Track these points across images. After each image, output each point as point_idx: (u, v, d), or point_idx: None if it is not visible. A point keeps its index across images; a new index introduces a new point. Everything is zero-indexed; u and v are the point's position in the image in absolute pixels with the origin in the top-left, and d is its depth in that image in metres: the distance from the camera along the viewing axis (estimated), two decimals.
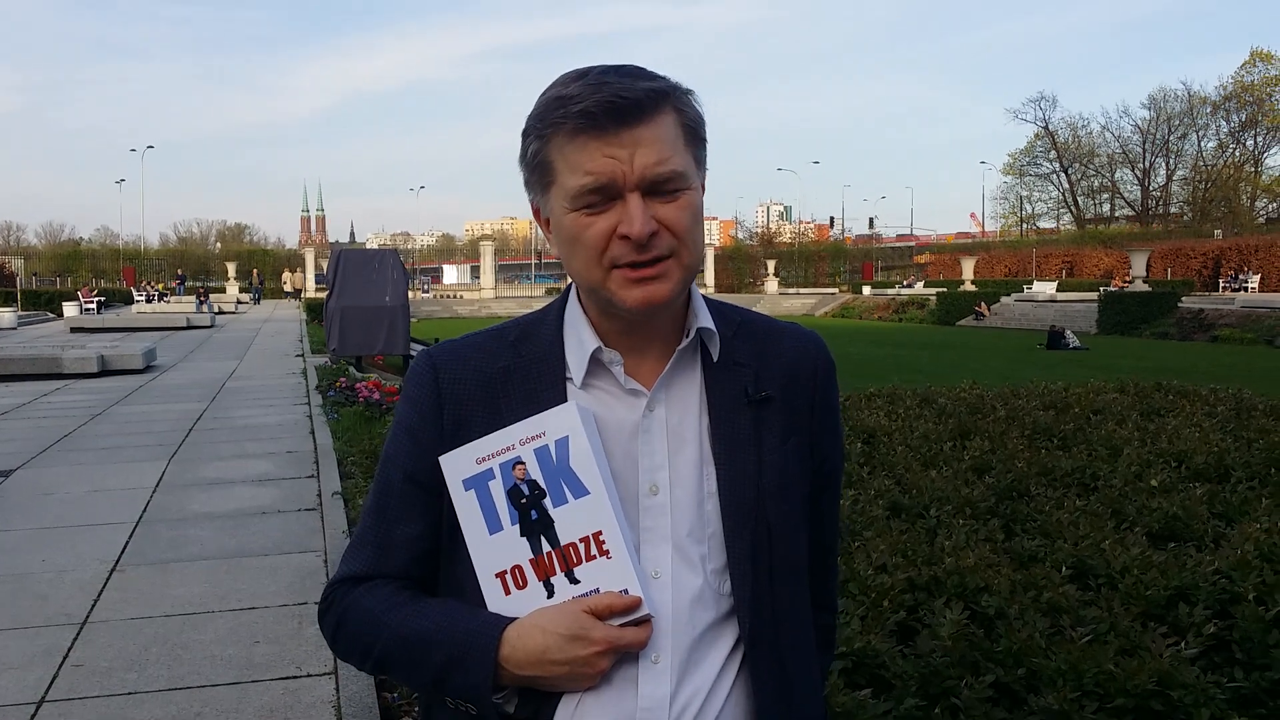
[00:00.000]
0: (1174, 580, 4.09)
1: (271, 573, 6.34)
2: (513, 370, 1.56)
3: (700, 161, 1.52)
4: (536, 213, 1.56)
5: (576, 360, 1.54)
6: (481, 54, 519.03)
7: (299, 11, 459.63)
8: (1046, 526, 5.06)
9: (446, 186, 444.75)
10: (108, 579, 6.24)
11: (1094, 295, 43.50)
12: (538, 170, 1.49)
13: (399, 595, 1.55)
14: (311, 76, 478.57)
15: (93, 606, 5.72)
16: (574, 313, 1.58)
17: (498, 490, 1.49)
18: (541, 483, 1.47)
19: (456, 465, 1.51)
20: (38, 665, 4.85)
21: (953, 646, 3.56)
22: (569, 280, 1.60)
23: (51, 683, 4.65)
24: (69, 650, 5.04)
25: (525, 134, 1.49)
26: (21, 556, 6.77)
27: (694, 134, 1.49)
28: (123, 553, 6.82)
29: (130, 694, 4.52)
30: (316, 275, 68.16)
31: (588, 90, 1.41)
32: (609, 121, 1.40)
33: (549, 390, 1.53)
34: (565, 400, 1.51)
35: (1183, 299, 39.50)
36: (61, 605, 5.75)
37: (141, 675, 4.72)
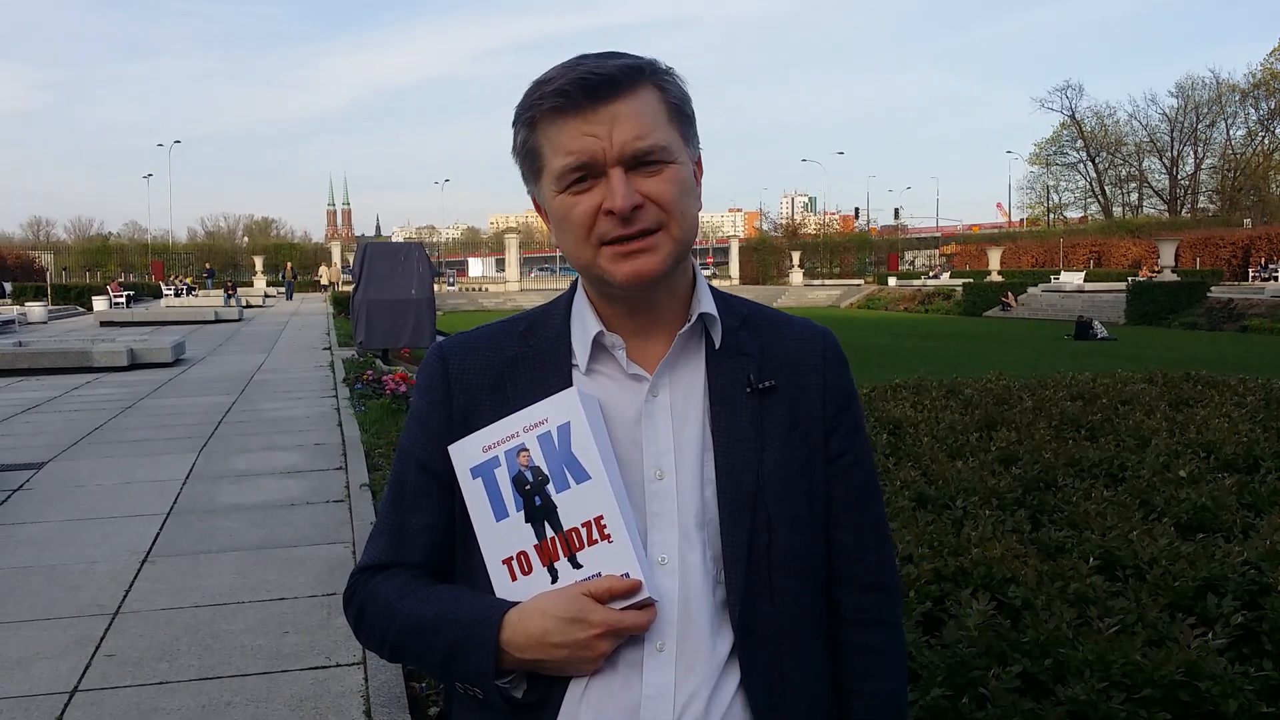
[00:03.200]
0: (1202, 571, 4.07)
1: (300, 564, 6.38)
2: (520, 359, 1.58)
3: (688, 138, 1.51)
4: (536, 205, 1.58)
5: (581, 346, 1.55)
6: (504, 48, 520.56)
7: (321, 7, 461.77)
8: (1074, 517, 5.04)
9: (471, 180, 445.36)
10: (139, 570, 6.29)
11: (1122, 285, 43.18)
12: (528, 158, 1.51)
13: (412, 583, 1.57)
14: (335, 72, 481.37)
15: (124, 597, 5.78)
16: (580, 301, 1.59)
17: (503, 477, 1.50)
18: (545, 469, 1.48)
19: (464, 454, 1.53)
20: (71, 655, 4.90)
21: (979, 637, 3.55)
22: None
23: (84, 672, 4.70)
24: (101, 640, 5.09)
25: (514, 125, 1.51)
26: (54, 548, 6.84)
27: (679, 110, 1.50)
28: (154, 544, 6.88)
29: (162, 684, 4.57)
30: (344, 268, 67.69)
31: (563, 71, 1.43)
32: (584, 99, 1.41)
33: (554, 377, 1.55)
34: (570, 386, 1.52)
35: (1212, 289, 39.14)
36: (94, 596, 5.80)
37: (173, 665, 4.76)
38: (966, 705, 3.27)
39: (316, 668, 4.72)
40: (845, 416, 1.65)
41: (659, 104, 1.46)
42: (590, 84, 1.41)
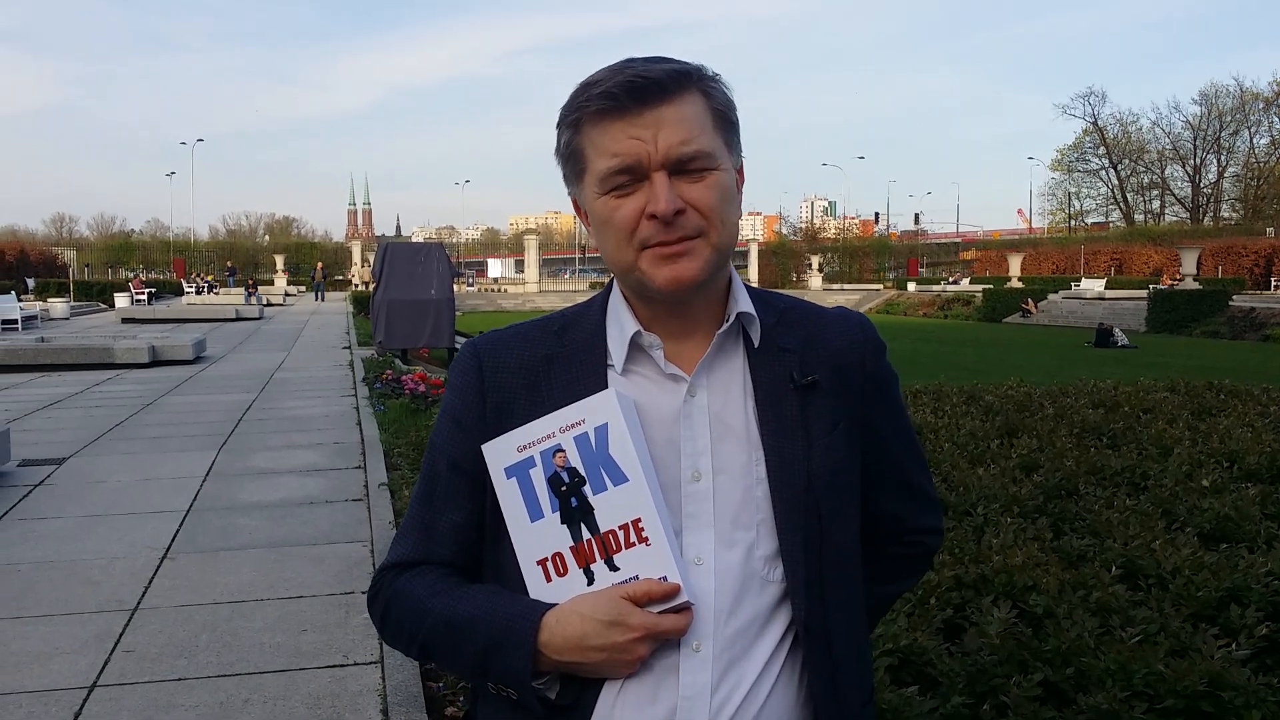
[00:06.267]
0: (1225, 581, 4.05)
1: (319, 562, 6.40)
2: (555, 358, 1.57)
3: (731, 145, 1.52)
4: (576, 206, 1.58)
5: (617, 346, 1.55)
6: (526, 49, 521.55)
7: (344, 6, 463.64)
8: (1096, 526, 5.01)
9: (491, 181, 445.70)
10: (158, 566, 6.31)
11: (1143, 293, 43.01)
12: (571, 160, 1.51)
13: (443, 581, 1.56)
14: (358, 70, 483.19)
15: (144, 593, 5.80)
16: (616, 300, 1.58)
17: (539, 478, 1.49)
18: (581, 470, 1.48)
19: (498, 453, 1.52)
20: (90, 650, 4.92)
21: (1000, 645, 3.54)
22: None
23: (103, 668, 4.71)
24: (120, 636, 5.11)
25: (558, 126, 1.51)
26: (74, 543, 6.87)
27: (723, 117, 1.50)
28: (173, 541, 6.90)
29: (180, 680, 4.58)
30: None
31: (610, 74, 1.44)
32: (631, 101, 1.41)
33: (590, 377, 1.54)
34: (605, 386, 1.51)
35: (1233, 298, 38.95)
36: (113, 591, 5.83)
37: (191, 662, 4.78)
38: (988, 713, 3.25)
39: (334, 666, 4.72)
40: (887, 400, 1.68)
41: (704, 110, 1.47)
42: (638, 87, 1.41)
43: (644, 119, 1.42)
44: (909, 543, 1.80)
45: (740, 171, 1.55)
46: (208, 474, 9.23)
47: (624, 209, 1.45)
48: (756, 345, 1.56)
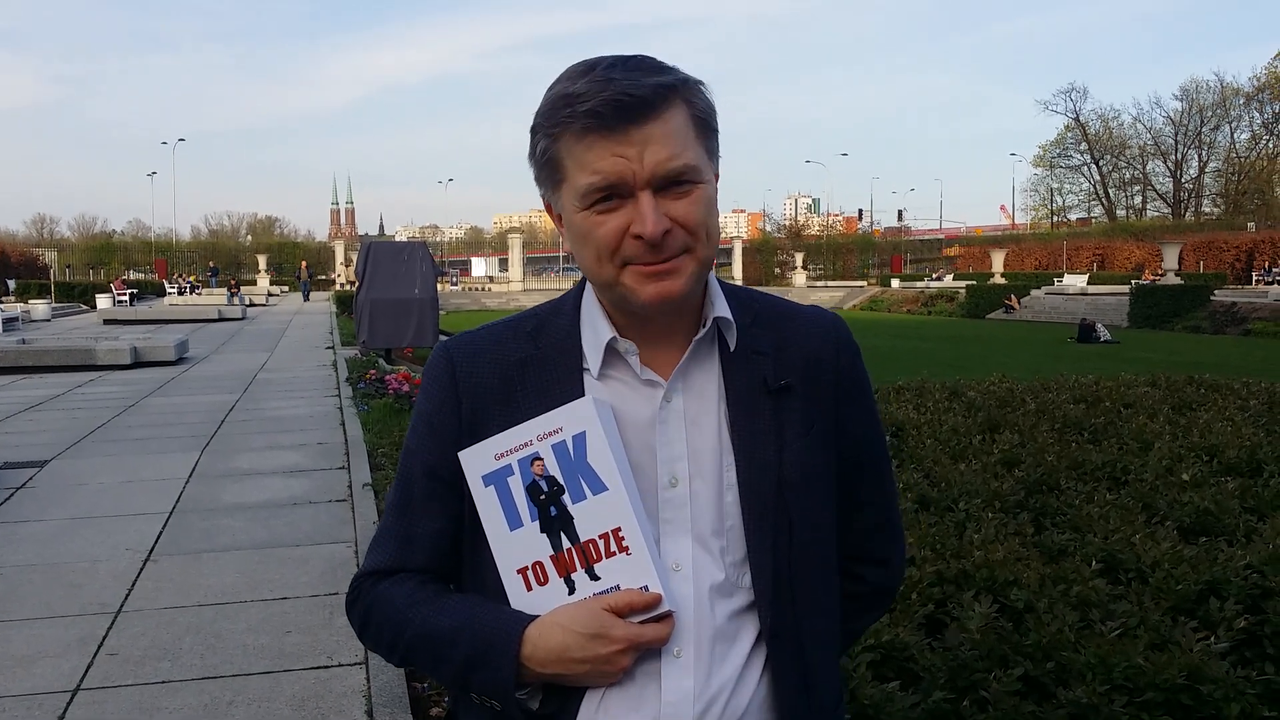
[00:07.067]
0: (1205, 575, 4.07)
1: (302, 563, 6.39)
2: (529, 361, 1.55)
3: (712, 152, 1.49)
4: (549, 208, 1.54)
5: (592, 351, 1.53)
6: (510, 46, 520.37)
7: (329, 4, 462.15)
8: (1076, 520, 5.04)
9: (475, 179, 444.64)
10: (141, 569, 6.30)
11: (1125, 288, 43.19)
12: (547, 168, 1.47)
13: (422, 590, 1.55)
14: (341, 69, 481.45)
15: (127, 596, 5.78)
16: (590, 303, 1.56)
17: (517, 486, 1.48)
18: (560, 479, 1.46)
19: (476, 461, 1.50)
20: (73, 654, 4.90)
21: (981, 640, 3.55)
22: None
23: (86, 671, 4.70)
24: (103, 639, 5.10)
25: (533, 131, 1.47)
26: (56, 546, 6.84)
27: (705, 125, 1.46)
28: (156, 543, 6.88)
29: (164, 683, 4.57)
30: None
31: (594, 88, 1.38)
32: (617, 120, 1.37)
33: (565, 381, 1.52)
34: (581, 392, 1.50)
35: (1215, 292, 39.14)
36: (96, 594, 5.81)
37: (175, 664, 4.77)
38: (968, 708, 3.27)
39: (319, 667, 4.72)
40: (858, 405, 1.65)
41: (687, 121, 1.43)
42: (624, 105, 1.37)
43: (630, 137, 1.37)
44: (869, 575, 1.76)
45: (716, 174, 1.52)
46: (191, 476, 9.20)
47: (606, 226, 1.41)
48: (732, 349, 1.55)
